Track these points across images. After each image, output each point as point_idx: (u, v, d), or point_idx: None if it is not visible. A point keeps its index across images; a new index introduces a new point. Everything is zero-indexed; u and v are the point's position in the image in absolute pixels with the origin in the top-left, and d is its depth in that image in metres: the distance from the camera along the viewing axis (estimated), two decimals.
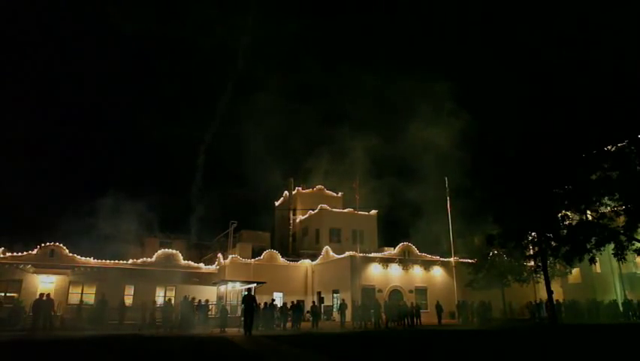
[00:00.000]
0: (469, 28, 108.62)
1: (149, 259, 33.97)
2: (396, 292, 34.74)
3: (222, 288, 31.47)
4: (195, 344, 15.09)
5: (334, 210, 45.46)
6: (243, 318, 21.53)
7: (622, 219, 20.73)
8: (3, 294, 28.94)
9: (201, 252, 45.29)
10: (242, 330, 20.74)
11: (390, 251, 37.80)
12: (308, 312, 29.87)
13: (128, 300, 30.42)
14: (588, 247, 21.02)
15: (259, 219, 69.89)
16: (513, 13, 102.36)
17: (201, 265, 36.55)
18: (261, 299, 26.71)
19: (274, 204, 55.14)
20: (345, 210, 46.17)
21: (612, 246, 20.72)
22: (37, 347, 14.30)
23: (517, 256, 29.06)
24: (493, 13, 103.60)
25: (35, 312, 20.90)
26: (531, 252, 25.86)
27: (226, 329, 22.69)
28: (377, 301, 28.95)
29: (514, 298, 35.38)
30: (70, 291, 31.05)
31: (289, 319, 26.35)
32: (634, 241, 20.27)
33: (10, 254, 30.22)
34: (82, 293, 30.93)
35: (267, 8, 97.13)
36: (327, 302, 36.13)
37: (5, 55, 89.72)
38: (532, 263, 26.74)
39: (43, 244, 31.12)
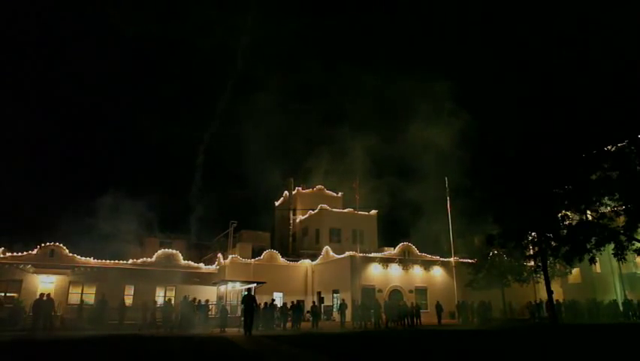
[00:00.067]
0: (469, 28, 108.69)
1: (149, 259, 33.96)
2: (396, 292, 34.74)
3: (222, 288, 31.46)
4: (195, 344, 15.09)
5: (334, 210, 45.45)
6: (243, 318, 21.53)
7: (622, 219, 20.74)
8: (3, 294, 28.94)
9: (201, 252, 45.26)
10: (242, 330, 20.74)
11: (390, 251, 37.79)
12: (308, 312, 29.87)
13: (128, 300, 30.42)
14: (588, 247, 21.02)
15: (259, 219, 69.92)
16: (513, 13, 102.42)
17: (201, 265, 36.55)
18: (261, 299, 26.71)
19: (274, 204, 55.12)
20: (345, 210, 46.15)
21: (612, 246, 20.72)
22: (38, 347, 14.29)
23: (517, 256, 29.06)
24: (493, 13, 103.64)
25: (35, 312, 20.87)
26: (531, 252, 25.86)
27: (226, 329, 22.71)
28: (377, 301, 28.95)
29: (514, 298, 35.38)
30: (70, 291, 31.06)
31: (289, 319, 26.35)
32: (634, 241, 20.27)
33: (10, 254, 30.21)
34: (82, 293, 30.93)
35: (266, 8, 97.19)
36: (327, 302, 36.14)
37: (5, 55, 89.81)
38: (532, 263, 26.75)
39: (43, 244, 31.11)
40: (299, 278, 38.86)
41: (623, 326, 25.19)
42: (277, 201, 54.55)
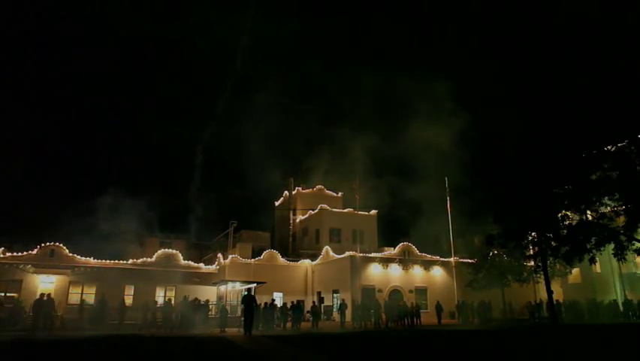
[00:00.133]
0: (468, 28, 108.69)
1: (149, 259, 33.95)
2: (396, 292, 34.73)
3: (222, 288, 31.46)
4: (195, 344, 15.10)
5: (334, 210, 45.45)
6: (243, 318, 21.53)
7: (622, 219, 20.71)
8: (3, 294, 28.91)
9: (201, 252, 45.27)
10: (242, 330, 20.74)
11: (390, 251, 37.79)
12: (308, 312, 29.87)
13: (128, 300, 30.42)
14: (588, 247, 21.00)
15: (259, 219, 70.08)
16: (513, 13, 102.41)
17: (201, 265, 36.54)
18: (261, 299, 26.71)
19: (274, 204, 55.14)
20: (345, 210, 46.16)
21: (612, 246, 20.70)
22: (38, 347, 14.30)
23: (517, 256, 29.05)
24: (493, 14, 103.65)
25: (35, 312, 20.87)
26: (531, 252, 25.84)
27: (226, 329, 22.71)
28: (377, 301, 28.95)
29: (514, 298, 35.38)
30: (70, 291, 31.05)
31: (289, 319, 26.34)
32: (634, 241, 20.25)
33: (10, 254, 30.20)
34: (82, 293, 30.91)
35: (266, 8, 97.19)
36: (327, 302, 36.13)
37: (5, 55, 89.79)
38: (532, 263, 26.72)
39: (43, 244, 31.10)
40: (299, 278, 38.87)
41: (623, 326, 25.19)
42: (277, 201, 54.57)
